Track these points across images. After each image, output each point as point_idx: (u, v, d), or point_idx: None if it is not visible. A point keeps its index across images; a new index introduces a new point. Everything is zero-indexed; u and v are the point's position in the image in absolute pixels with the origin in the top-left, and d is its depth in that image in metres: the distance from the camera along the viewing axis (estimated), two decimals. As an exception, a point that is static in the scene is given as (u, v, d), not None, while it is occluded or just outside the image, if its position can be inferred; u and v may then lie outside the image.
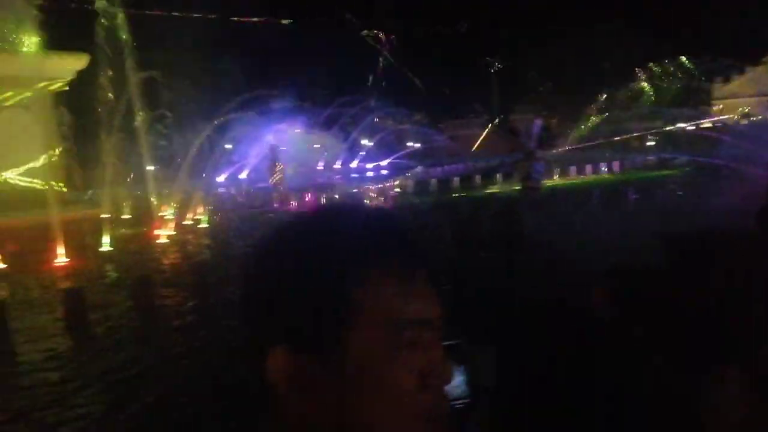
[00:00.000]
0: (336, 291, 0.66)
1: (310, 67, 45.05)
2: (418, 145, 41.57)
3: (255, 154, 32.83)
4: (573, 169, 27.26)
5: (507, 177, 23.66)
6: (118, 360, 6.21)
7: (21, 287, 9.63)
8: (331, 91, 42.17)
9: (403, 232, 0.73)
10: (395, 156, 38.03)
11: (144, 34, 20.65)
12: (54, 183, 13.82)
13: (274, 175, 28.86)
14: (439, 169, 29.26)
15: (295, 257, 0.69)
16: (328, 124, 39.67)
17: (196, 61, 37.48)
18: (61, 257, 11.69)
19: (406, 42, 47.35)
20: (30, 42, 13.79)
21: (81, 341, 6.98)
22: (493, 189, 22.95)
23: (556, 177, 25.18)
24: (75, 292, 7.92)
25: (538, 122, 22.86)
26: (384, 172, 34.68)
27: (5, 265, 11.30)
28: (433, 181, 25.37)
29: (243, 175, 34.04)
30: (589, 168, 28.26)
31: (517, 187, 20.06)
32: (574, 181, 25.03)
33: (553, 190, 20.39)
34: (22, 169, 13.48)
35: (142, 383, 5.50)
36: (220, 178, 32.24)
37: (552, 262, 6.92)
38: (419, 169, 29.09)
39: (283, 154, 35.25)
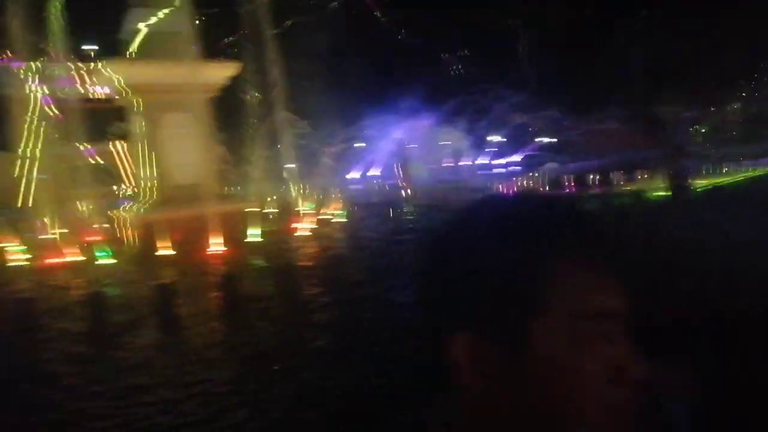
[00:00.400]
0: (525, 279, 0.66)
1: (439, 64, 45.13)
2: (550, 139, 39.81)
3: (385, 151, 33.69)
4: (727, 165, 24.58)
5: (650, 174, 21.95)
6: (268, 337, 6.75)
7: (185, 271, 10.77)
8: (460, 86, 41.82)
9: (594, 222, 0.71)
10: (525, 151, 36.82)
11: (285, 40, 22.03)
12: (210, 180, 15.25)
13: (404, 172, 29.45)
14: (573, 165, 27.87)
15: (482, 244, 0.69)
16: (456, 120, 39.43)
17: (330, 64, 39.08)
18: (217, 246, 12.93)
19: (540, 31, 45.36)
20: (190, 52, 15.29)
21: (235, 320, 7.64)
22: (633, 187, 21.41)
23: (708, 174, 22.89)
24: (230, 277, 8.72)
25: (687, 115, 20.91)
26: (514, 168, 33.76)
27: (173, 252, 12.73)
28: (568, 177, 24.22)
29: (374, 172, 35.08)
30: (747, 164, 25.31)
31: (662, 186, 18.52)
32: (730, 179, 22.57)
33: (707, 189, 18.56)
34: (184, 167, 14.99)
35: (293, 359, 5.92)
36: (353, 175, 33.52)
37: (715, 269, 6.29)
38: (552, 165, 27.86)
39: (411, 152, 35.84)
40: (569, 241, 0.68)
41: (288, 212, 18.51)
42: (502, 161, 37.92)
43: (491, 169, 35.68)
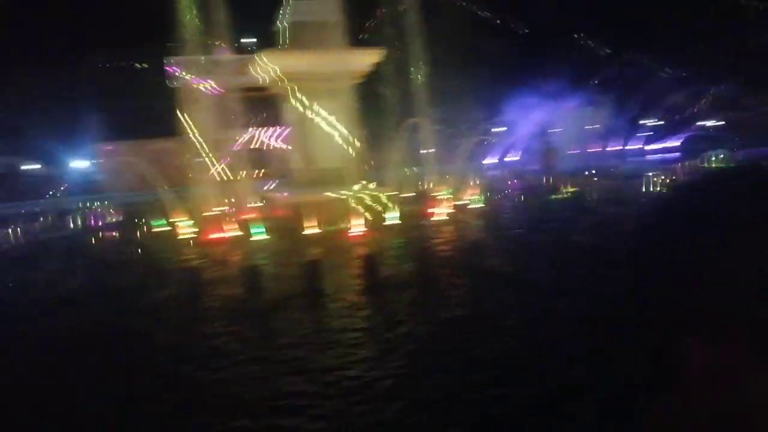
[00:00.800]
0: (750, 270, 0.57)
1: (585, 39, 42.35)
2: (715, 122, 35.47)
3: (525, 135, 32.57)
4: None
5: None
6: (406, 313, 7.00)
7: (330, 250, 11.37)
8: (609, 61, 38.79)
9: None
10: (685, 134, 33.31)
11: (422, 25, 22.08)
12: (353, 164, 15.86)
13: (545, 158, 28.29)
14: (745, 151, 24.65)
15: (720, 233, 0.60)
16: (604, 101, 36.75)
17: (469, 48, 38.39)
18: (358, 227, 13.48)
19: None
20: (339, 41, 15.91)
21: (373, 295, 7.98)
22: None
23: None
24: (371, 257, 9.07)
25: None
26: (671, 153, 30.79)
27: (319, 231, 13.49)
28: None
29: (513, 158, 34.10)
30: None
31: None
32: None
33: None
34: (330, 151, 15.74)
35: (430, 336, 6.05)
36: (491, 161, 32.90)
37: None
38: (719, 151, 24.84)
39: (553, 136, 34.28)
40: None
41: (424, 197, 18.67)
42: (657, 146, 34.72)
43: (644, 155, 32.85)
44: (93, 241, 15.12)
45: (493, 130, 37.29)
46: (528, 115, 32.17)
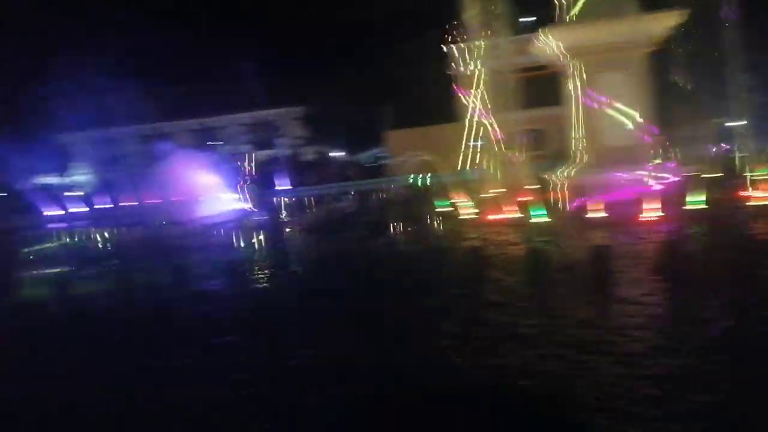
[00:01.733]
0: None
1: None
2: None
3: None
4: None
5: None
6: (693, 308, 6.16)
7: (617, 235, 10.49)
8: None
9: None
10: None
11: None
12: (645, 141, 14.30)
13: None
14: None
15: None
16: None
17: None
18: (652, 211, 12.12)
19: None
20: (631, 6, 14.44)
21: (667, 288, 7.16)
22: None
23: None
24: (667, 245, 8.13)
25: None
26: None
27: (605, 214, 12.56)
28: None
29: None
30: None
31: None
32: None
33: None
34: (617, 128, 14.43)
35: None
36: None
37: None
38: None
39: None
40: None
41: (735, 178, 15.87)
42: None
43: None
44: (394, 215, 16.85)
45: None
46: None
